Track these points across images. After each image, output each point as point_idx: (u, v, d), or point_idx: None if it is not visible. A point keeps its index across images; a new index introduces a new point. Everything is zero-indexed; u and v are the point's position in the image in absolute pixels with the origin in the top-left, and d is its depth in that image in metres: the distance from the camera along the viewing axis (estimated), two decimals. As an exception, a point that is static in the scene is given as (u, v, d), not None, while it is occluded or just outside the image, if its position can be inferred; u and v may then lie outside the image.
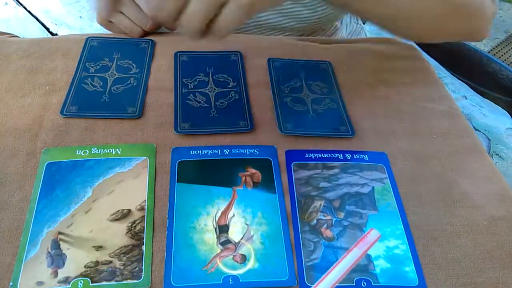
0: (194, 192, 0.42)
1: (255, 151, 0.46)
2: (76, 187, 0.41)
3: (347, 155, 0.47)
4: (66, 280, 0.36)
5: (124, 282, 0.36)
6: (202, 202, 0.42)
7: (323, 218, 0.42)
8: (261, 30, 0.68)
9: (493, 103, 0.82)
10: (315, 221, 0.42)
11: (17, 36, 0.59)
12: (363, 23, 0.89)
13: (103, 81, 0.51)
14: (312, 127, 0.49)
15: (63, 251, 0.37)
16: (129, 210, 0.40)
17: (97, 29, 0.61)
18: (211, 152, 0.46)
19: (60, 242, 0.38)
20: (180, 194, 0.42)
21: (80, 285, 0.36)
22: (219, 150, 0.46)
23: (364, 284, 0.38)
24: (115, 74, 0.52)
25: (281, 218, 0.42)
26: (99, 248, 0.38)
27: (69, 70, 0.52)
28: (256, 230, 0.40)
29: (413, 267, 0.40)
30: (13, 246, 0.37)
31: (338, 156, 0.47)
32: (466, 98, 0.76)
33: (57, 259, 0.37)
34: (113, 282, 0.36)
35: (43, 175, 0.42)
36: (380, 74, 0.58)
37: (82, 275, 0.36)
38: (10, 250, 0.37)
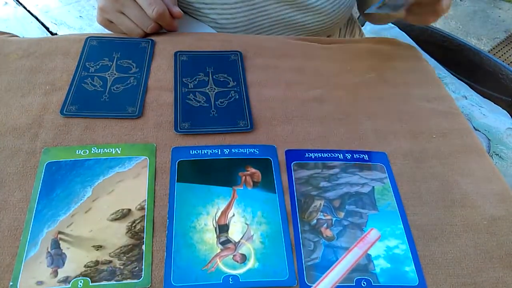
0: (194, 192, 0.42)
1: (255, 150, 0.46)
2: (76, 187, 0.41)
3: (347, 154, 0.47)
4: (66, 280, 0.36)
5: (124, 281, 0.36)
6: (202, 201, 0.42)
7: (323, 217, 0.42)
8: (279, 29, 0.68)
9: (493, 103, 0.82)
10: (315, 221, 0.42)
11: (16, 36, 0.59)
12: (363, 23, 0.89)
13: (103, 81, 0.51)
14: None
15: (63, 251, 0.37)
16: (129, 210, 0.40)
17: (97, 29, 0.61)
18: (211, 151, 0.46)
19: (60, 242, 0.38)
20: (180, 193, 0.42)
21: (80, 285, 0.36)
22: (219, 150, 0.46)
23: (364, 284, 0.38)
24: (115, 74, 0.52)
25: (281, 218, 0.42)
26: (99, 247, 0.38)
27: (69, 69, 0.52)
28: (256, 229, 0.40)
29: (413, 267, 0.40)
30: (13, 245, 0.37)
31: (338, 155, 0.47)
32: (466, 98, 0.76)
33: (57, 258, 0.37)
34: (113, 282, 0.36)
35: (43, 174, 0.42)
36: (380, 74, 0.58)
37: (82, 274, 0.36)
38: (10, 249, 0.37)
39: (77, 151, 0.44)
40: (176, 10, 0.57)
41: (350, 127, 0.51)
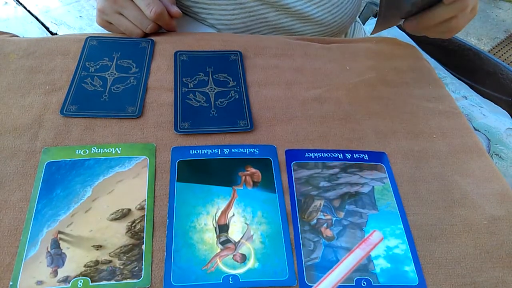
0: (194, 192, 0.42)
1: (255, 150, 0.46)
2: (76, 187, 0.41)
3: (347, 154, 0.47)
4: (65, 280, 0.36)
5: (124, 281, 0.36)
6: (202, 201, 0.42)
7: (323, 217, 0.42)
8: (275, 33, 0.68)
9: (493, 103, 0.82)
10: (315, 221, 0.42)
11: (16, 36, 0.59)
12: (363, 23, 0.89)
13: (103, 81, 0.51)
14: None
15: (62, 251, 0.37)
16: (129, 210, 0.40)
17: (97, 29, 0.61)
18: (211, 151, 0.46)
19: (60, 242, 0.38)
20: (180, 193, 0.42)
21: (80, 285, 0.36)
22: (219, 150, 0.46)
23: (364, 284, 0.38)
24: (115, 74, 0.52)
25: (281, 218, 0.42)
26: (99, 247, 0.38)
27: (68, 69, 0.52)
28: (256, 229, 0.40)
29: (413, 266, 0.40)
30: (13, 245, 0.37)
31: (338, 155, 0.47)
32: (466, 98, 0.76)
33: (56, 258, 0.37)
34: (112, 282, 0.36)
35: (43, 174, 0.42)
36: (380, 74, 0.58)
37: (82, 274, 0.36)
38: (10, 249, 0.37)
39: (77, 151, 0.44)
40: (175, 10, 0.57)
41: (350, 127, 0.51)
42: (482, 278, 0.40)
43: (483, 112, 0.75)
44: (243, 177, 0.44)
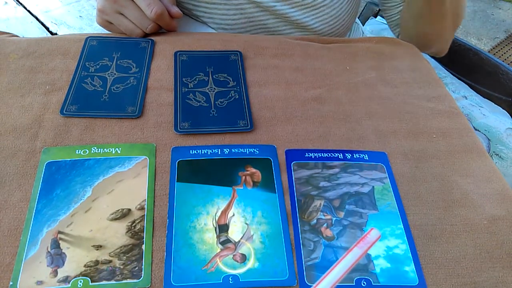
0: (194, 192, 0.42)
1: (255, 150, 0.46)
2: (76, 187, 0.41)
3: (347, 154, 0.47)
4: (65, 280, 0.36)
5: (124, 281, 0.36)
6: (202, 201, 0.42)
7: (323, 217, 0.42)
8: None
9: (493, 103, 0.82)
10: (315, 221, 0.42)
11: (16, 36, 0.59)
12: (363, 24, 0.89)
13: (103, 81, 0.51)
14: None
15: (62, 251, 0.37)
16: (129, 210, 0.40)
17: (97, 29, 0.61)
18: (211, 151, 0.46)
19: (60, 242, 0.38)
20: (180, 193, 0.42)
21: (80, 285, 0.36)
22: (219, 150, 0.46)
23: (364, 284, 0.38)
24: (115, 74, 0.52)
25: (281, 218, 0.41)
26: (98, 247, 0.38)
27: (68, 69, 0.52)
28: (256, 229, 0.40)
29: (413, 266, 0.40)
30: (13, 245, 0.37)
31: (338, 155, 0.47)
32: (466, 98, 0.76)
33: (56, 258, 0.37)
34: (112, 282, 0.36)
35: (42, 174, 0.42)
36: (380, 74, 0.58)
37: (81, 274, 0.36)
38: (10, 249, 0.37)
39: (77, 151, 0.44)
40: (175, 10, 0.57)
41: (350, 127, 0.51)
42: (482, 278, 0.40)
43: (483, 112, 0.76)
44: (243, 177, 0.44)
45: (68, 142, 0.45)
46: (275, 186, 0.44)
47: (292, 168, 0.46)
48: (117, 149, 0.45)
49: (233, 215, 0.41)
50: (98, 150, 0.44)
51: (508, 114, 0.79)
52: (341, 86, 0.55)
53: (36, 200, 0.40)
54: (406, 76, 0.59)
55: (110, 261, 0.37)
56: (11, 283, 0.35)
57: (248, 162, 0.45)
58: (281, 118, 0.50)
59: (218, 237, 0.40)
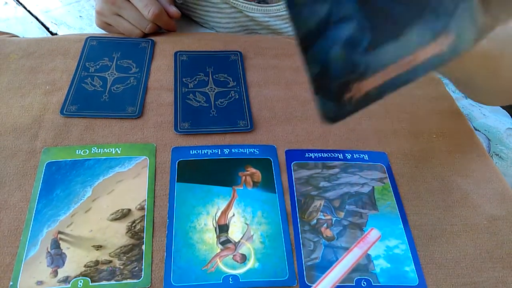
0: (194, 192, 0.42)
1: (255, 150, 0.46)
2: (76, 187, 0.41)
3: (347, 154, 0.47)
4: (66, 280, 0.36)
5: (124, 281, 0.36)
6: (202, 201, 0.42)
7: (323, 217, 0.42)
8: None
9: (493, 103, 0.82)
10: (315, 221, 0.42)
11: (17, 36, 0.59)
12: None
13: (103, 81, 0.51)
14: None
15: (63, 251, 0.37)
16: (129, 210, 0.40)
17: (97, 29, 0.61)
18: (211, 151, 0.46)
19: (60, 242, 0.38)
20: (180, 193, 0.42)
21: (80, 285, 0.36)
22: (219, 150, 0.46)
23: (364, 284, 0.38)
24: (115, 74, 0.52)
25: (281, 218, 0.41)
26: (99, 247, 0.38)
27: (69, 69, 0.52)
28: (256, 229, 0.40)
29: (413, 266, 0.40)
30: (13, 245, 0.37)
31: (338, 155, 0.47)
32: (466, 98, 0.76)
33: (57, 258, 0.37)
34: (113, 282, 0.36)
35: (43, 174, 0.42)
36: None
37: (82, 274, 0.36)
38: (10, 249, 0.37)
39: (77, 151, 0.44)
40: (173, 9, 0.57)
41: (350, 127, 0.51)
42: (482, 278, 0.40)
43: (483, 112, 0.75)
44: (243, 177, 0.44)
45: (68, 142, 0.45)
46: (275, 186, 0.44)
47: (292, 168, 0.46)
48: (117, 149, 0.45)
49: (233, 215, 0.41)
50: (98, 150, 0.44)
51: (508, 114, 0.79)
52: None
53: (36, 200, 0.40)
54: (406, 76, 0.59)
55: (110, 261, 0.37)
56: (11, 283, 0.35)
57: (248, 162, 0.45)
58: (281, 118, 0.50)
59: (218, 237, 0.40)
